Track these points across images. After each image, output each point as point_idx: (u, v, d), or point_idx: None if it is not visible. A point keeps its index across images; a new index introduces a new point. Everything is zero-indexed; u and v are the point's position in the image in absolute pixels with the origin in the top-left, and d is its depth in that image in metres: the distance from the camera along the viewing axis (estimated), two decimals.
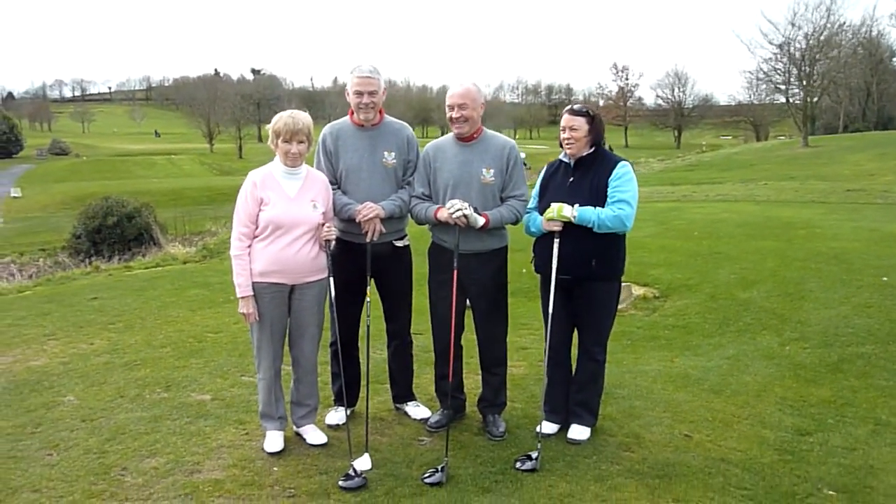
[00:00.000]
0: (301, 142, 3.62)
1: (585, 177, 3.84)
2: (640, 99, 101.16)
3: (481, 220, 3.73)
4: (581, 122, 3.80)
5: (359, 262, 3.93)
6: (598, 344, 3.95)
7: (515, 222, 3.92)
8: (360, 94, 3.83)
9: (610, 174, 3.78)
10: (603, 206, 3.72)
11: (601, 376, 4.03)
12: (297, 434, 3.96)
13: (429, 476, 3.46)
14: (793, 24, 37.22)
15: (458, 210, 3.67)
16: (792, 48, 37.76)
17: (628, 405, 4.46)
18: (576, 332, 4.08)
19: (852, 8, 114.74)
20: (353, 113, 3.99)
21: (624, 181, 3.75)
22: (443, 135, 4.24)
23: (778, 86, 40.92)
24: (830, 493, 3.32)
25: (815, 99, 40.55)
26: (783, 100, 43.13)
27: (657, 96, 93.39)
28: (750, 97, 65.41)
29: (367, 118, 3.90)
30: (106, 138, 79.79)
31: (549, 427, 4.01)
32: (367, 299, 3.95)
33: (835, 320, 6.15)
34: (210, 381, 5.03)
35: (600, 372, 4.01)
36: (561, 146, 3.92)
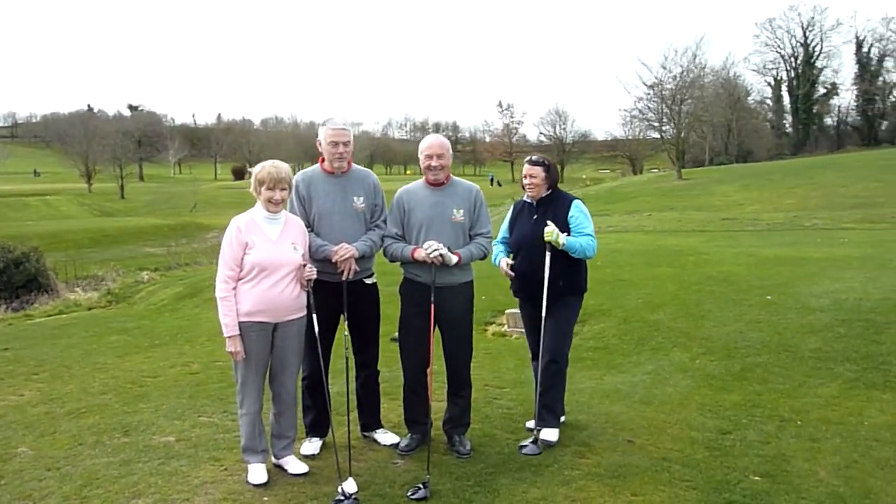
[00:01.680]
0: (283, 189, 3.90)
1: (547, 214, 4.56)
2: (524, 136, 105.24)
3: (455, 259, 4.18)
4: (539, 171, 4.58)
5: (330, 299, 4.21)
6: (563, 352, 4.57)
7: (483, 257, 4.41)
8: (336, 144, 4.21)
9: (567, 211, 4.53)
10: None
11: (564, 381, 4.65)
12: (277, 466, 4.15)
13: (413, 493, 3.77)
14: (664, 67, 40.57)
15: (435, 250, 4.10)
16: (663, 89, 41.03)
17: (573, 419, 4.95)
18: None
19: (714, 52, 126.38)
20: (323, 161, 4.34)
21: (583, 217, 4.56)
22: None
23: (652, 123, 44.23)
24: (756, 478, 3.92)
25: (683, 135, 44.17)
26: (656, 136, 46.65)
27: (540, 133, 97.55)
28: (626, 133, 70.06)
29: (339, 167, 4.25)
30: None
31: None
32: (346, 333, 4.23)
33: (733, 335, 6.98)
34: (168, 424, 5.08)
35: (564, 377, 4.65)
36: (523, 189, 4.66)
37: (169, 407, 5.52)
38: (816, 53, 71.90)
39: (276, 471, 4.12)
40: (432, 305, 4.22)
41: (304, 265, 3.97)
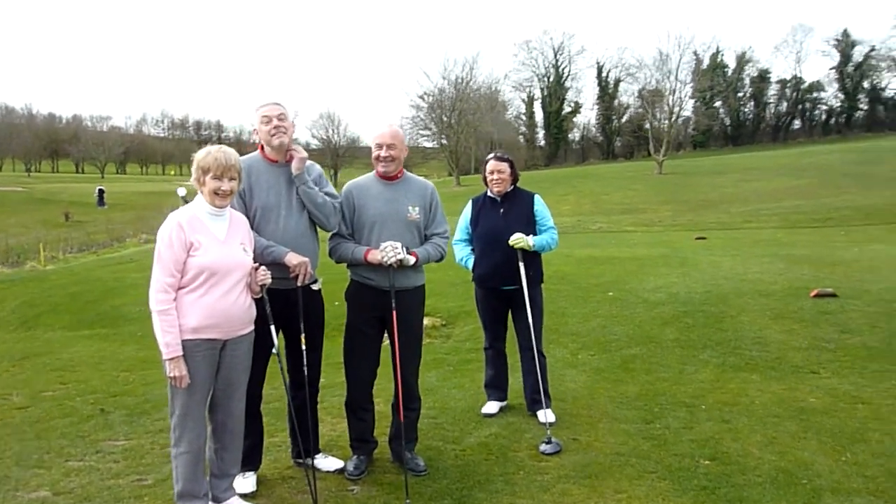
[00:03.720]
0: (232, 178, 3.29)
1: (513, 208, 4.80)
2: (295, 139, 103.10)
3: (412, 259, 3.84)
4: (505, 167, 4.75)
5: (276, 309, 3.62)
6: (539, 339, 4.89)
7: (440, 259, 4.10)
8: (268, 119, 3.72)
9: (531, 204, 4.78)
10: (532, 230, 4.80)
11: (545, 366, 4.99)
12: None
13: None
14: (444, 78, 42.43)
15: (393, 256, 3.72)
16: (444, 98, 42.95)
17: (505, 422, 4.84)
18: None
19: (481, 68, 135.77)
20: (262, 148, 3.75)
21: (546, 212, 4.83)
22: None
23: (432, 131, 46.03)
24: (706, 462, 4.11)
25: (460, 145, 46.68)
26: (429, 144, 48.67)
27: (312, 136, 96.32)
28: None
29: (281, 144, 3.73)
30: None
31: (494, 406, 5.07)
32: (304, 347, 3.67)
33: (598, 330, 7.38)
34: (29, 475, 4.05)
35: (545, 362, 4.98)
36: (485, 184, 4.81)
37: (15, 453, 4.41)
38: (565, 75, 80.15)
39: None
40: (394, 312, 3.83)
41: (257, 267, 3.38)
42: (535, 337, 4.82)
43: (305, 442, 3.85)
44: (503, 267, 4.76)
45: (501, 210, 4.84)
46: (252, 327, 3.43)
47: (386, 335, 4.07)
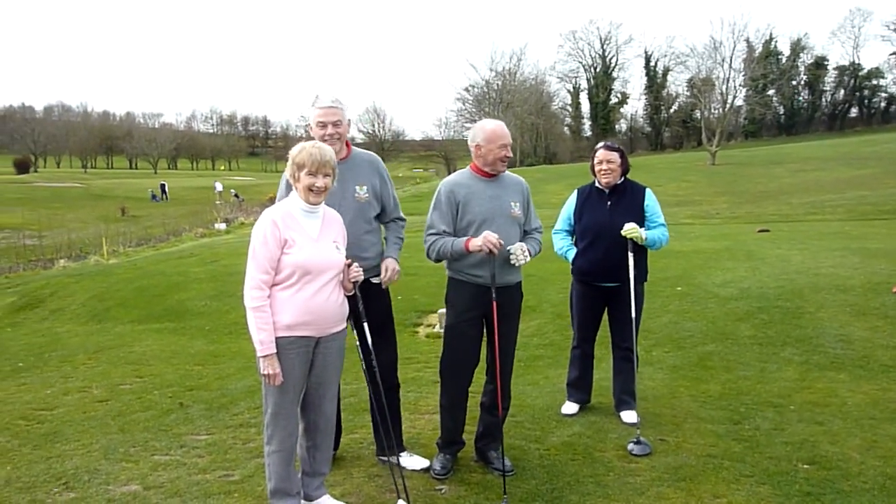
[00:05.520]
0: (327, 175, 3.24)
1: (622, 201, 4.64)
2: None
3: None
4: (615, 156, 4.53)
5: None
6: (634, 340, 4.68)
7: (537, 254, 4.03)
8: (323, 125, 3.67)
9: (641, 198, 4.55)
10: (640, 225, 4.54)
11: (635, 367, 4.77)
12: None
13: None
14: (491, 69, 42.23)
15: (524, 258, 3.78)
16: (489, 90, 42.75)
17: (587, 422, 4.72)
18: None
19: (529, 58, 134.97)
20: None
21: (658, 207, 4.63)
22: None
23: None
24: (805, 466, 3.93)
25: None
26: None
27: (359, 130, 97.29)
28: (441, 133, 72.52)
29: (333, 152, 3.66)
30: None
31: (574, 407, 4.89)
32: (367, 333, 3.62)
33: (670, 326, 7.18)
34: (118, 469, 4.11)
35: (635, 363, 4.77)
36: (593, 174, 4.71)
37: (102, 446, 4.48)
38: (612, 65, 78.92)
39: None
40: (494, 304, 3.77)
41: (350, 264, 3.34)
42: (632, 340, 4.68)
43: (389, 438, 3.79)
44: (607, 262, 4.57)
45: (609, 203, 4.62)
46: (344, 325, 3.39)
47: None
